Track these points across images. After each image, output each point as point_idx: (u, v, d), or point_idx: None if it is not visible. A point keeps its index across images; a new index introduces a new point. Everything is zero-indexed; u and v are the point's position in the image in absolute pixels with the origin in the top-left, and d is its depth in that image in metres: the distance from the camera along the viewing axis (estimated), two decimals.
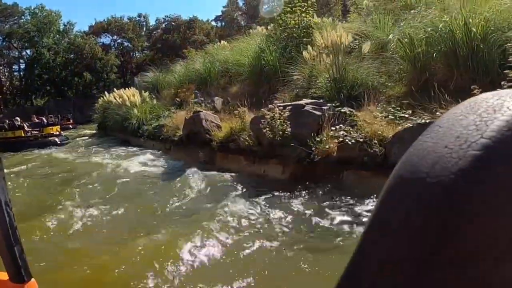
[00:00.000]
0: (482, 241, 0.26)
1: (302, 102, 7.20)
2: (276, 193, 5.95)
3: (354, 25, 10.35)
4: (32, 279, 1.06)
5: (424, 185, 0.27)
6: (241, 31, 25.22)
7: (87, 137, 21.58)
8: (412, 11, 8.68)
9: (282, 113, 6.66)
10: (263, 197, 5.87)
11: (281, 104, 7.14)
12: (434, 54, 7.04)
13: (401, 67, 7.86)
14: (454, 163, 0.27)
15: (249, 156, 7.44)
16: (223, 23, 55.17)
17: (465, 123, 0.29)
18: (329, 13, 20.83)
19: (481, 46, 6.47)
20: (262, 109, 7.27)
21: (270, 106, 6.89)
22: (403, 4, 10.32)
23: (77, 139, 21.19)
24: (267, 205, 5.55)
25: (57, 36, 47.82)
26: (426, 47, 7.21)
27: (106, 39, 52.00)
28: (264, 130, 6.77)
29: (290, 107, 6.80)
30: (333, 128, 6.20)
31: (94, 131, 23.18)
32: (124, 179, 8.46)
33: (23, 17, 46.43)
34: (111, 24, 50.89)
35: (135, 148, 13.38)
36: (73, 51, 46.82)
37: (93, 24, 52.00)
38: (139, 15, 54.02)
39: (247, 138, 7.47)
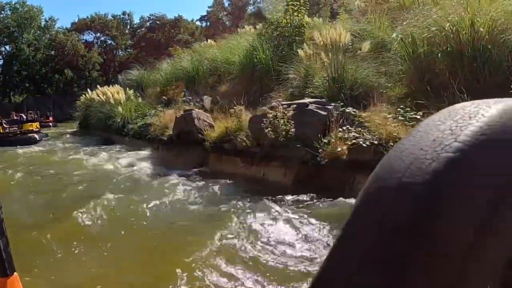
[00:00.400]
0: (451, 243, 0.26)
1: (306, 100, 6.84)
2: (278, 198, 5.55)
3: (346, 25, 10.12)
4: (15, 273, 1.07)
5: (399, 185, 0.28)
6: (226, 31, 24.99)
7: (68, 135, 21.06)
8: (412, 10, 8.47)
9: (285, 112, 6.30)
10: (263, 201, 5.47)
11: (284, 103, 6.77)
12: (439, 54, 6.83)
13: (402, 67, 7.64)
14: (428, 164, 0.28)
15: (247, 158, 7.04)
16: (208, 23, 54.89)
17: (442, 127, 0.31)
18: (318, 14, 20.64)
19: (488, 46, 6.29)
20: (263, 108, 6.95)
21: (273, 104, 6.53)
22: (397, 5, 10.15)
23: (58, 137, 20.56)
24: (268, 210, 5.12)
25: (38, 32, 46.74)
26: (429, 47, 7.00)
27: (89, 36, 51.34)
28: (266, 130, 6.39)
29: (294, 105, 6.43)
30: (340, 129, 5.87)
31: (75, 129, 22.66)
32: (110, 180, 8.03)
33: (3, 12, 45.16)
34: (94, 21, 50.13)
35: (119, 148, 13.02)
36: (54, 48, 45.88)
37: (76, 20, 51.25)
38: (124, 13, 53.33)
39: (245, 139, 7.06)
